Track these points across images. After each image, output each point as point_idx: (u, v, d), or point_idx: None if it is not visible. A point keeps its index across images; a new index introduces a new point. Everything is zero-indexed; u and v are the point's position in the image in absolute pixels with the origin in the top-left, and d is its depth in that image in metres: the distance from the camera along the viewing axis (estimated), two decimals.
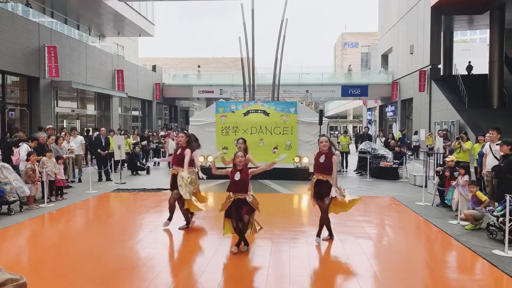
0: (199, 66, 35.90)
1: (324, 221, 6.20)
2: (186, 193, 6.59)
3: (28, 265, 5.40)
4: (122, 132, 18.06)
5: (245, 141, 6.82)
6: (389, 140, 16.36)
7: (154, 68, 31.27)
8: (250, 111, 13.38)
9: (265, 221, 6.66)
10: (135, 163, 14.84)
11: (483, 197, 7.35)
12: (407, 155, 15.77)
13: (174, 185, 6.75)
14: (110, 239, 6.49)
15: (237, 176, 5.65)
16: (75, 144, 12.58)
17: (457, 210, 7.93)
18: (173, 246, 6.27)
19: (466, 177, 8.00)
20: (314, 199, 6.20)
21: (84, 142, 13.43)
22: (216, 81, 32.41)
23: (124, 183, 12.28)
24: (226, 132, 13.40)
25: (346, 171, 15.42)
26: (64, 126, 18.12)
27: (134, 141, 16.98)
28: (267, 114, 13.31)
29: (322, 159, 6.07)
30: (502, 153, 7.74)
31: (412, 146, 21.99)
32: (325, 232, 6.38)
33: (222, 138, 13.36)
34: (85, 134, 16.95)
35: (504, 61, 21.72)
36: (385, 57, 34.70)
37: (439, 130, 19.10)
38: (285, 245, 6.09)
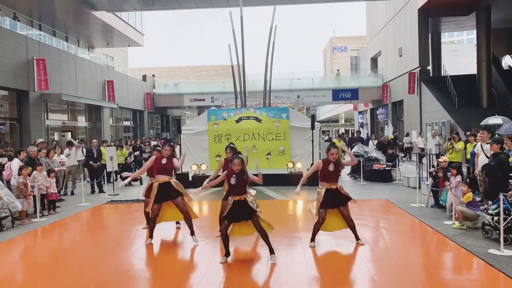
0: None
1: (354, 227, 6.35)
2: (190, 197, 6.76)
3: (22, 281, 5.32)
4: (116, 143, 17.95)
5: (234, 149, 6.76)
6: (383, 141, 16.38)
7: (144, 77, 31.22)
8: (242, 118, 13.39)
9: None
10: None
11: (469, 198, 7.40)
12: (399, 157, 15.83)
13: (161, 195, 6.51)
14: (104, 251, 6.43)
15: (233, 180, 5.62)
16: (70, 156, 12.48)
17: (451, 211, 7.96)
18: (168, 257, 6.21)
19: (458, 178, 8.05)
20: (323, 209, 6.17)
21: (80, 154, 13.34)
22: (207, 89, 32.41)
23: (117, 194, 12.19)
24: (219, 140, 13.38)
25: (340, 175, 15.39)
26: (56, 139, 17.98)
27: (128, 151, 16.87)
28: (259, 120, 13.32)
29: (331, 167, 6.18)
30: (492, 152, 7.81)
31: (404, 147, 22.10)
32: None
33: (215, 146, 13.33)
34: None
35: (491, 61, 21.98)
36: (374, 61, 34.96)
37: (432, 131, 19.22)
38: (282, 252, 6.05)
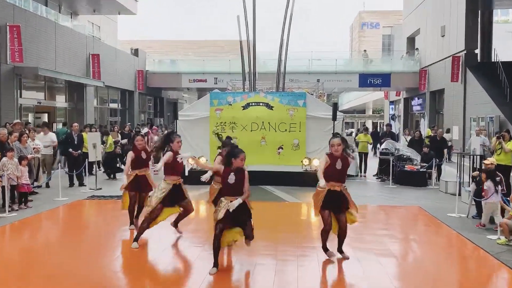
0: None
1: (344, 237, 6.26)
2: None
3: None
4: (102, 129, 18.03)
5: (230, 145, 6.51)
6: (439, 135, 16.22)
7: (136, 52, 31.25)
8: (251, 104, 13.34)
9: (267, 235, 6.66)
10: (113, 164, 14.80)
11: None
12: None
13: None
14: (83, 255, 6.48)
15: (232, 179, 5.66)
16: (45, 143, 12.57)
17: (494, 223, 7.91)
18: (158, 263, 6.25)
19: (489, 183, 8.03)
20: (326, 210, 6.13)
21: (55, 140, 13.42)
22: (210, 68, 32.32)
23: (100, 188, 12.26)
24: (222, 129, 13.35)
25: (365, 176, 15.39)
26: (29, 121, 18.11)
27: (114, 139, 16.94)
28: (270, 107, 13.28)
29: (339, 165, 6.03)
30: None
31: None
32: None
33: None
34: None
35: None
36: (411, 40, 34.62)
37: (476, 128, 19.06)
38: (292, 264, 6.07)
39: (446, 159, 20.18)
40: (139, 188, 7.53)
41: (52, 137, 13.23)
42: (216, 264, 5.67)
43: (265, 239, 6.61)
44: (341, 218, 6.17)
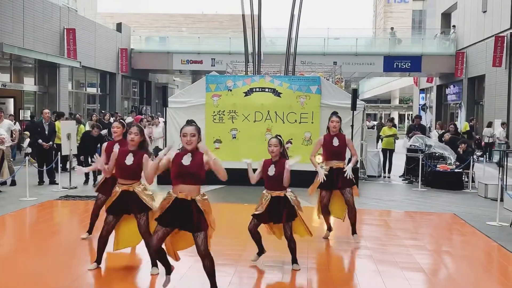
0: None
1: (354, 216, 7.60)
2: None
3: None
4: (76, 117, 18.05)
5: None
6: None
7: (119, 27, 31.25)
8: (254, 90, 13.34)
9: (275, 244, 6.67)
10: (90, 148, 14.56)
11: None
12: (475, 156, 15.70)
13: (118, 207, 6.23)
14: (54, 264, 6.50)
15: (272, 171, 6.24)
16: (2, 131, 12.59)
17: None
18: (143, 275, 6.26)
19: None
20: (323, 189, 7.58)
21: (15, 128, 13.44)
22: (207, 47, 32.33)
23: (75, 187, 12.29)
24: (219, 119, 13.36)
25: (389, 176, 15.38)
26: None
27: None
28: (278, 94, 13.27)
29: (335, 142, 7.40)
30: None
31: (483, 143, 21.92)
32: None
33: (213, 127, 13.31)
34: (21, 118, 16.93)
35: None
36: (446, 17, 34.54)
37: None
38: (301, 278, 6.09)
39: (487, 158, 20.17)
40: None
41: (8, 124, 13.20)
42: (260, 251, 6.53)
43: (270, 249, 6.63)
44: (346, 196, 7.55)
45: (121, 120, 7.59)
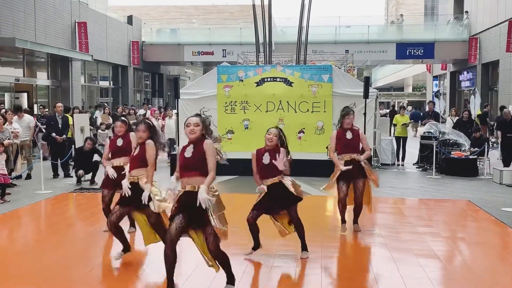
0: None
1: (360, 208, 7.65)
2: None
3: None
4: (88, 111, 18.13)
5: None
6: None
7: (130, 20, 31.30)
8: (266, 80, 13.32)
9: (291, 235, 6.67)
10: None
11: None
12: (490, 142, 15.57)
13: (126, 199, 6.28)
14: (70, 257, 6.54)
15: (266, 159, 6.22)
16: (21, 127, 12.67)
17: None
18: (157, 269, 6.28)
19: None
20: (342, 181, 7.46)
21: (33, 124, 13.53)
22: (218, 38, 32.31)
23: (91, 180, 12.36)
24: (232, 110, 13.37)
25: (403, 164, 15.31)
26: (4, 102, 18.28)
27: (106, 123, 17.03)
28: (289, 83, 13.23)
29: (349, 135, 7.44)
30: None
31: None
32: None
33: (226, 118, 13.33)
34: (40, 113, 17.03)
35: None
36: (459, 2, 34.19)
37: None
38: (315, 267, 6.10)
39: (492, 144, 19.99)
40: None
41: (28, 120, 13.29)
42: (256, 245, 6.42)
43: (284, 239, 6.63)
44: (358, 185, 7.53)
45: (122, 118, 7.71)
